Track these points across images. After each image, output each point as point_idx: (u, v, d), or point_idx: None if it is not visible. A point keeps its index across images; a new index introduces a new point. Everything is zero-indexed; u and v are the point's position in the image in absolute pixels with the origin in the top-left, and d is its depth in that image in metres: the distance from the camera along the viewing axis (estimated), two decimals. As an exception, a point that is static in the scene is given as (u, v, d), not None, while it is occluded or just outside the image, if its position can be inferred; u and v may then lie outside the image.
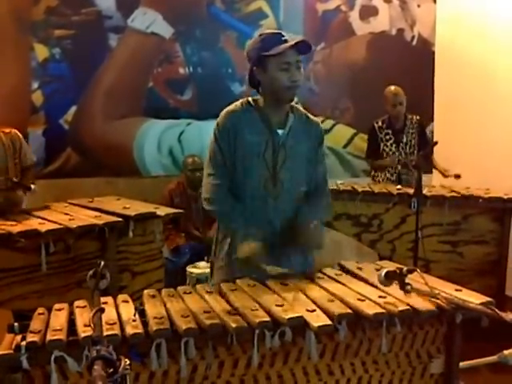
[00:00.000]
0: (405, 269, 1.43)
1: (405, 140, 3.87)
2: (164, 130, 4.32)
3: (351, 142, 4.77)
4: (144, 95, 4.26)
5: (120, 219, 2.84)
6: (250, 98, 1.94)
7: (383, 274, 1.49)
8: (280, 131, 1.89)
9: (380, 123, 3.92)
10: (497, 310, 1.20)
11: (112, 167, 4.19)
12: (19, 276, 2.67)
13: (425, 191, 3.37)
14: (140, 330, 1.29)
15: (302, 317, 1.39)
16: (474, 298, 1.60)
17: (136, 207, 3.11)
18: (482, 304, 1.58)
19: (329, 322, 1.38)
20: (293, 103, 1.94)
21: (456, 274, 3.44)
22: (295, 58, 1.82)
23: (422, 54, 4.94)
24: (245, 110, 1.91)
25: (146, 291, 1.59)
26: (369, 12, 4.76)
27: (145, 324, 1.34)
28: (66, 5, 4.02)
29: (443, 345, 1.69)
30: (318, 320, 1.39)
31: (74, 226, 2.66)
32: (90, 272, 1.17)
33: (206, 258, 3.45)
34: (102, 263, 1.15)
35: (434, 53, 4.96)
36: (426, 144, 3.83)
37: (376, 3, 4.78)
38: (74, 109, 4.10)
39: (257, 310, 1.43)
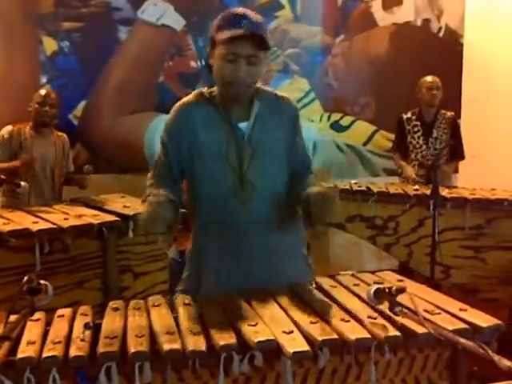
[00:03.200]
0: (394, 288, 1.24)
1: (435, 134, 3.67)
2: (175, 126, 4.19)
3: (371, 139, 4.55)
4: (155, 90, 4.14)
5: (117, 219, 2.75)
6: (204, 89, 1.67)
7: (372, 292, 1.30)
8: (243, 124, 1.62)
9: (409, 114, 3.72)
10: (489, 352, 1.00)
11: (122, 164, 4.10)
12: (14, 276, 2.57)
13: (445, 192, 3.16)
14: (83, 353, 1.14)
15: (274, 340, 1.22)
16: (480, 321, 1.40)
17: (137, 206, 2.99)
18: (490, 327, 1.39)
19: (306, 348, 1.20)
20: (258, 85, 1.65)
21: (478, 281, 3.21)
22: (247, 52, 1.52)
23: (449, 47, 4.67)
24: (198, 104, 1.63)
25: (110, 303, 1.45)
26: (392, 1, 4.52)
27: (95, 343, 1.20)
28: (75, -4, 3.94)
29: (447, 370, 1.49)
30: (293, 345, 1.21)
31: (67, 225, 2.56)
32: (24, 287, 1.02)
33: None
34: (27, 277, 0.99)
35: (462, 45, 4.68)
36: (457, 147, 3.66)
37: (400, -8, 4.54)
38: (83, 104, 4.02)
39: (226, 329, 1.27)
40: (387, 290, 1.24)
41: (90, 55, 3.99)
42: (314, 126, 4.42)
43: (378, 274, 1.83)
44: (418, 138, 3.69)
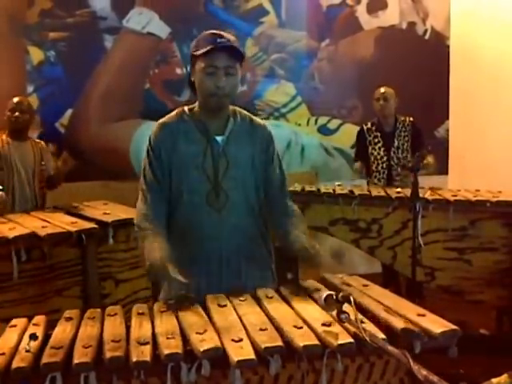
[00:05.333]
0: (340, 295, 1.23)
1: (396, 144, 3.70)
2: (161, 133, 4.20)
3: (359, 142, 4.53)
4: (141, 97, 4.17)
5: (96, 226, 2.75)
6: (185, 108, 1.81)
7: (323, 298, 1.30)
8: (219, 138, 1.76)
9: (369, 125, 3.78)
10: (410, 361, 0.99)
11: (108, 171, 4.12)
12: (-8, 284, 2.59)
13: (427, 195, 3.15)
14: (25, 364, 1.14)
15: (220, 348, 1.22)
16: (436, 326, 1.38)
17: (117, 213, 3.00)
18: (444, 333, 1.37)
19: (251, 356, 1.20)
20: (235, 107, 1.82)
21: (463, 283, 3.18)
22: (225, 63, 1.68)
23: (435, 49, 4.66)
24: (179, 121, 1.78)
25: (66, 311, 1.45)
26: (377, 5, 4.52)
27: (41, 354, 1.20)
28: (61, 7, 3.98)
29: (408, 376, 1.48)
30: (239, 353, 1.21)
31: (44, 233, 2.57)
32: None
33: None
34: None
35: (448, 47, 4.67)
36: (421, 146, 3.65)
37: (385, -4, 4.55)
38: (69, 112, 4.06)
39: (173, 338, 1.27)
40: (334, 297, 1.24)
41: (76, 64, 4.03)
42: (301, 129, 4.42)
43: (345, 278, 1.82)
44: (379, 148, 3.73)
